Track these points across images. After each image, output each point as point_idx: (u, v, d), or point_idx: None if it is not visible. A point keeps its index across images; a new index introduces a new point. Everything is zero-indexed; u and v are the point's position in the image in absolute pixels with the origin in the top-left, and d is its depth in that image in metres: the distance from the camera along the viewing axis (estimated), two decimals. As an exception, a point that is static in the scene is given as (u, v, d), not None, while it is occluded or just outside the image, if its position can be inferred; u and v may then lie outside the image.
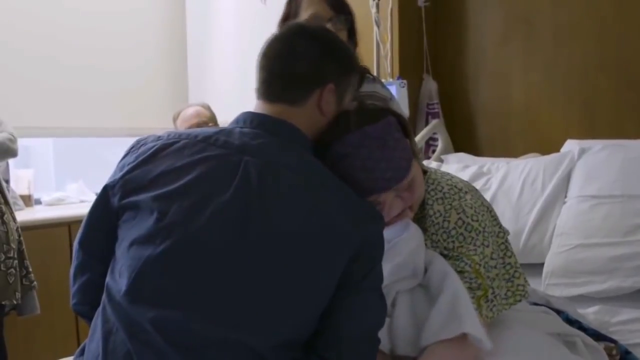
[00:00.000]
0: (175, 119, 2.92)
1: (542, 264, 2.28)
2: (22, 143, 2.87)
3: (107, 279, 1.15)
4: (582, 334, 1.50)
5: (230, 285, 1.04)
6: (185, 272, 1.05)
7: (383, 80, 2.78)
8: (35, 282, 2.66)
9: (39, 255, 2.85)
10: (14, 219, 2.64)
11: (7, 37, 3.39)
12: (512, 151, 2.99)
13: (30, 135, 3.54)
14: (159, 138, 1.21)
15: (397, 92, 2.94)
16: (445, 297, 1.25)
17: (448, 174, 1.51)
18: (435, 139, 3.23)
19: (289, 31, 1.32)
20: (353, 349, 1.10)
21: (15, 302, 2.54)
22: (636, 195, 2.25)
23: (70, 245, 3.05)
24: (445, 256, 1.37)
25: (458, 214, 1.38)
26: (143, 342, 1.04)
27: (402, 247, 1.32)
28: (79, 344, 1.26)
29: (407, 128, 1.35)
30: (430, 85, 3.32)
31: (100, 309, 1.14)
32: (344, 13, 1.93)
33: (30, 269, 2.66)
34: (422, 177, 1.41)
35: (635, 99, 2.72)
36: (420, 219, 1.42)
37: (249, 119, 1.21)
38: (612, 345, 1.57)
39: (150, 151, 1.18)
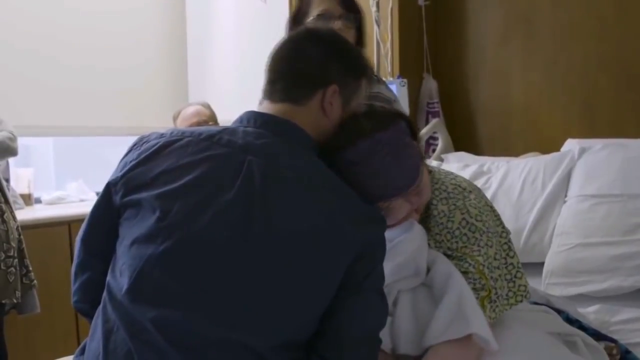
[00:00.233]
0: (175, 118, 2.92)
1: (542, 263, 2.27)
2: (22, 142, 2.87)
3: (108, 277, 1.15)
4: (582, 333, 1.49)
5: (231, 285, 1.04)
6: (186, 272, 1.05)
7: (383, 79, 2.78)
8: (35, 281, 2.66)
9: (39, 254, 2.85)
10: (14, 217, 2.64)
11: (7, 36, 3.39)
12: (512, 150, 3.00)
13: (31, 134, 3.53)
14: (162, 135, 1.21)
15: (397, 91, 2.94)
16: (451, 297, 1.25)
17: (452, 173, 1.51)
18: (436, 138, 3.23)
19: (297, 34, 1.33)
20: (354, 350, 1.10)
21: (15, 301, 2.53)
22: (636, 195, 2.25)
23: (71, 244, 3.05)
24: (448, 256, 1.37)
25: (462, 214, 1.38)
26: (144, 341, 1.04)
27: (405, 246, 1.32)
28: (79, 343, 1.26)
29: (415, 131, 1.34)
30: (430, 84, 3.32)
31: (100, 307, 1.14)
32: (354, 12, 1.93)
33: (31, 268, 2.65)
34: (429, 179, 1.41)
35: (636, 98, 2.72)
36: (424, 219, 1.41)
37: (253, 119, 1.21)
38: (613, 344, 1.57)
39: (153, 149, 1.18)
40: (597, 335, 1.57)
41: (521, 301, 1.42)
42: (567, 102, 2.92)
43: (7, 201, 2.62)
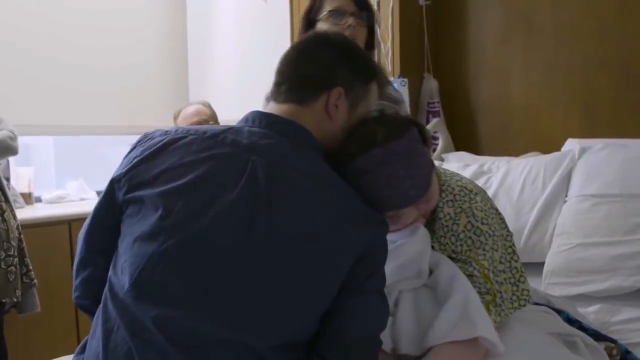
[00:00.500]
0: (175, 117, 2.92)
1: (543, 263, 2.27)
2: (22, 141, 2.87)
3: (110, 273, 1.15)
4: (582, 334, 1.49)
5: (232, 285, 1.04)
6: (188, 271, 1.05)
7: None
8: (35, 280, 2.66)
9: (39, 253, 2.85)
10: (15, 216, 2.64)
11: (7, 35, 3.39)
12: (512, 150, 2.99)
13: (31, 133, 3.53)
14: (166, 133, 1.21)
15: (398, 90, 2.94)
16: (456, 298, 1.24)
17: (457, 174, 1.51)
18: (436, 138, 3.23)
19: (306, 38, 1.35)
20: (355, 351, 1.10)
21: (15, 300, 2.54)
22: (636, 195, 2.25)
23: (71, 244, 3.05)
24: (453, 259, 1.36)
25: (467, 217, 1.38)
26: (144, 340, 1.04)
27: (407, 248, 1.31)
28: (79, 342, 1.26)
29: (426, 137, 1.33)
30: (430, 84, 3.32)
31: (101, 305, 1.14)
32: (366, 10, 1.94)
33: (31, 267, 2.66)
34: (438, 185, 1.40)
35: (636, 98, 2.72)
36: (430, 221, 1.41)
37: (258, 118, 1.21)
38: (613, 345, 1.57)
39: (157, 145, 1.17)
40: (597, 336, 1.57)
41: (524, 305, 1.41)
42: (567, 101, 2.92)
43: (7, 200, 2.62)
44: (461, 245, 1.37)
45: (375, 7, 3.07)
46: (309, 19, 1.98)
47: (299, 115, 1.20)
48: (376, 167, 1.20)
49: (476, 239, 1.37)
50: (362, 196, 1.18)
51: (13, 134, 2.72)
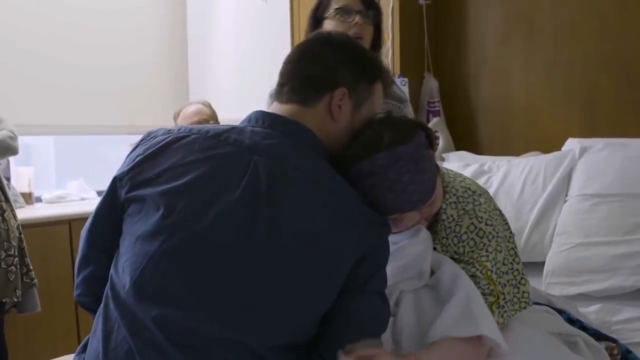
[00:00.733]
0: (175, 117, 2.92)
1: (543, 263, 2.27)
2: (22, 141, 2.87)
3: (111, 272, 1.15)
4: (583, 333, 1.49)
5: (233, 285, 1.04)
6: (189, 271, 1.05)
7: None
8: (35, 280, 2.66)
9: (40, 253, 2.85)
10: (15, 216, 2.64)
11: (7, 35, 3.38)
12: (512, 149, 2.99)
13: (31, 133, 3.53)
14: (169, 132, 1.20)
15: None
16: (459, 297, 1.24)
17: (460, 174, 1.50)
18: (436, 137, 3.23)
19: (310, 39, 1.34)
20: None
21: (15, 299, 2.53)
22: (637, 194, 2.25)
23: (71, 243, 3.05)
24: (455, 260, 1.36)
25: (470, 218, 1.37)
26: (144, 340, 1.04)
27: (409, 250, 1.31)
28: (79, 342, 1.26)
29: (432, 140, 1.31)
30: (431, 84, 3.32)
31: (102, 304, 1.14)
32: (373, 9, 1.94)
33: (31, 267, 2.65)
34: (442, 189, 1.39)
35: (636, 97, 2.72)
36: (432, 222, 1.41)
37: (261, 118, 1.21)
38: (614, 345, 1.57)
39: (160, 144, 1.17)
40: (598, 335, 1.57)
41: (525, 308, 1.41)
42: (567, 101, 2.92)
43: (7, 200, 2.62)
44: (463, 246, 1.37)
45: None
46: (316, 17, 1.98)
47: (302, 116, 1.20)
48: (381, 170, 1.19)
49: (479, 241, 1.36)
50: (365, 199, 1.17)
51: (13, 133, 2.72)
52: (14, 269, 2.52)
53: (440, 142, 3.19)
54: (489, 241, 1.36)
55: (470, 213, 1.38)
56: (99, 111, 3.81)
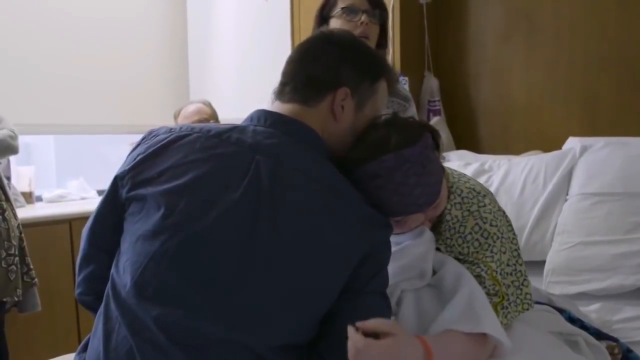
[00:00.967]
0: (176, 116, 2.92)
1: (544, 262, 2.27)
2: (23, 140, 2.87)
3: (112, 272, 1.14)
4: (584, 333, 1.49)
5: (233, 285, 1.04)
6: (190, 271, 1.05)
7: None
8: (36, 279, 2.66)
9: (40, 252, 2.85)
10: (15, 215, 2.64)
11: (8, 34, 3.38)
12: (513, 148, 2.99)
13: (31, 133, 3.53)
14: (171, 130, 1.20)
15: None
16: (462, 295, 1.23)
17: (464, 175, 1.50)
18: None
19: (312, 38, 1.31)
20: None
21: (16, 299, 2.54)
22: (637, 193, 2.25)
23: (72, 243, 3.05)
24: (460, 261, 1.35)
25: (475, 219, 1.37)
26: (145, 339, 1.04)
27: (411, 250, 1.31)
28: (80, 341, 1.27)
29: (438, 142, 1.30)
30: (431, 83, 3.31)
31: (103, 303, 1.14)
32: (380, 8, 1.94)
33: (31, 266, 2.65)
34: (447, 189, 1.38)
35: (637, 96, 2.71)
36: (436, 223, 1.40)
37: (263, 117, 1.20)
38: (614, 344, 1.57)
39: (162, 143, 1.17)
40: (599, 335, 1.57)
41: (527, 309, 1.40)
42: (568, 100, 2.91)
43: (8, 199, 2.62)
44: (468, 247, 1.37)
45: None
46: (322, 16, 1.98)
47: (304, 116, 1.19)
48: (387, 173, 1.18)
49: (484, 242, 1.36)
50: (370, 200, 1.17)
51: (14, 133, 2.72)
52: (15, 268, 2.52)
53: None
54: (494, 242, 1.36)
55: (474, 214, 1.38)
56: (99, 110, 3.81)
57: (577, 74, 2.87)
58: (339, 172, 1.17)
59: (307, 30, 2.08)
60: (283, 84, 1.24)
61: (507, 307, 1.34)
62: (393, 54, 3.19)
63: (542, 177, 2.50)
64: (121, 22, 3.91)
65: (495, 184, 2.57)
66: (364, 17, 1.89)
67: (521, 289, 1.41)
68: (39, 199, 3.56)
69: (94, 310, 1.21)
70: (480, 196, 1.41)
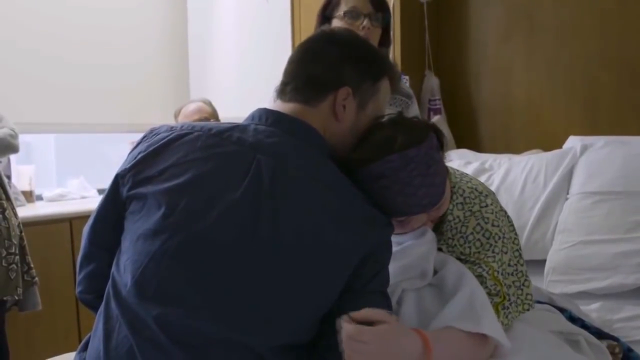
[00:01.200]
0: (176, 115, 2.92)
1: (544, 261, 2.27)
2: (23, 139, 2.86)
3: (113, 271, 1.14)
4: (585, 332, 1.49)
5: (234, 285, 1.04)
6: (190, 270, 1.05)
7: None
8: (36, 278, 2.66)
9: (41, 251, 2.85)
10: (16, 214, 2.64)
11: (8, 33, 3.38)
12: (513, 147, 2.99)
13: (32, 131, 3.53)
14: (172, 128, 1.20)
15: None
16: (463, 294, 1.23)
17: (466, 174, 1.49)
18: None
19: (313, 37, 1.31)
20: None
21: (16, 298, 2.54)
22: (638, 192, 2.25)
23: (72, 241, 3.05)
24: (461, 261, 1.35)
25: (477, 219, 1.37)
26: (146, 338, 1.04)
27: (412, 250, 1.31)
28: (80, 340, 1.27)
29: (442, 142, 1.29)
30: (432, 82, 3.31)
31: (104, 302, 1.14)
32: (383, 11, 1.93)
33: (32, 265, 2.65)
34: (450, 190, 1.37)
35: (638, 95, 2.71)
36: (438, 223, 1.40)
37: (265, 116, 1.20)
38: (615, 343, 1.57)
39: (163, 141, 1.16)
40: (600, 334, 1.57)
41: (528, 310, 1.40)
42: (569, 99, 2.91)
43: (8, 198, 2.62)
44: (469, 247, 1.37)
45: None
46: (325, 16, 1.97)
47: (305, 115, 1.19)
48: (392, 173, 1.17)
49: (485, 242, 1.36)
50: (374, 200, 1.17)
51: (14, 131, 2.72)
52: (15, 267, 2.52)
53: (441, 140, 3.18)
54: (495, 242, 1.36)
55: (476, 214, 1.37)
56: (100, 109, 3.81)
57: (578, 73, 2.87)
58: (341, 171, 1.17)
59: (308, 29, 2.08)
60: (284, 84, 1.24)
61: (508, 308, 1.34)
62: (394, 53, 3.19)
63: (542, 176, 2.50)
64: (122, 21, 3.90)
65: (495, 183, 2.56)
66: (365, 22, 1.88)
67: (522, 289, 1.41)
68: (40, 197, 3.56)
69: (95, 309, 1.20)
70: (483, 196, 1.40)
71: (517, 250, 1.44)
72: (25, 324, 2.84)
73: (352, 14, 1.89)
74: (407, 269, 1.29)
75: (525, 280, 1.42)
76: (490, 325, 1.21)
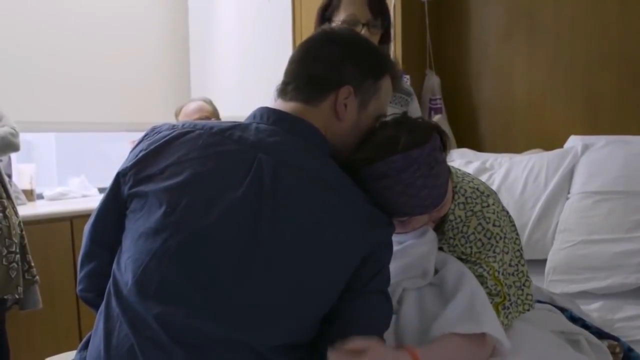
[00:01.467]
0: (177, 114, 2.92)
1: (545, 260, 2.27)
2: (24, 137, 2.87)
3: (114, 268, 1.14)
4: (585, 332, 1.49)
5: (235, 284, 1.04)
6: (191, 269, 1.05)
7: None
8: (37, 277, 2.66)
9: (41, 250, 2.85)
10: (16, 213, 2.64)
11: (9, 31, 3.38)
12: (514, 147, 2.99)
13: (33, 130, 3.54)
14: (173, 127, 1.19)
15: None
16: (463, 294, 1.23)
17: (468, 174, 1.49)
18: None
19: (316, 36, 1.30)
20: None
21: (17, 296, 2.54)
22: (639, 192, 2.25)
23: (73, 240, 3.05)
24: (462, 261, 1.35)
25: (478, 219, 1.37)
26: (147, 337, 1.04)
27: (413, 249, 1.31)
28: (80, 339, 1.27)
29: (446, 143, 1.28)
30: (433, 81, 3.31)
31: (104, 301, 1.13)
32: (382, 16, 1.92)
33: (32, 264, 2.65)
34: (452, 190, 1.37)
35: (638, 94, 2.71)
36: (439, 223, 1.40)
37: (266, 115, 1.19)
38: (616, 343, 1.57)
39: (164, 140, 1.16)
40: (600, 334, 1.57)
41: (528, 310, 1.40)
42: (570, 98, 2.91)
43: (9, 197, 2.62)
44: (470, 247, 1.37)
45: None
46: (325, 16, 1.96)
47: (307, 115, 1.18)
48: (395, 173, 1.17)
49: (486, 242, 1.36)
50: (375, 200, 1.16)
51: (15, 130, 2.72)
52: (16, 265, 2.52)
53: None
54: (497, 242, 1.36)
55: (478, 214, 1.37)
56: (100, 108, 3.81)
57: (579, 73, 2.87)
58: (343, 170, 1.16)
59: (309, 28, 2.07)
60: (285, 84, 1.23)
61: (508, 308, 1.34)
62: (395, 52, 3.19)
63: (543, 175, 2.50)
64: (122, 20, 3.90)
65: (496, 183, 2.56)
66: (364, 31, 1.87)
67: (522, 290, 1.41)
68: (40, 196, 3.56)
69: (96, 307, 1.20)
70: (484, 196, 1.40)
71: (519, 250, 1.43)
72: (25, 323, 2.84)
73: (350, 23, 1.88)
74: (408, 268, 1.29)
75: (526, 280, 1.42)
76: (491, 324, 1.21)
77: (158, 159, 1.14)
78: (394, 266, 1.19)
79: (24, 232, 2.65)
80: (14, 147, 2.74)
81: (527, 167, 2.56)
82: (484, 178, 2.59)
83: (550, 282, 2.18)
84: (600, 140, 2.51)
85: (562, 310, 1.59)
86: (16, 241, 2.55)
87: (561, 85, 2.93)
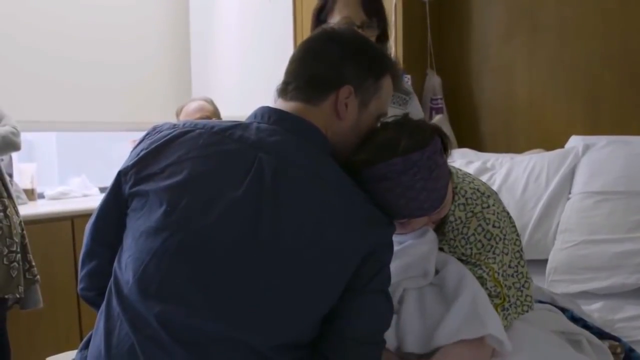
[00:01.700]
0: (178, 113, 2.91)
1: (546, 260, 2.27)
2: (25, 137, 2.87)
3: (115, 267, 1.14)
4: (586, 332, 1.49)
5: (235, 284, 1.04)
6: (191, 268, 1.05)
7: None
8: (38, 276, 2.66)
9: (42, 249, 2.85)
10: (17, 212, 2.64)
11: (10, 31, 3.38)
12: (515, 147, 2.99)
13: (34, 129, 3.54)
14: (174, 126, 1.19)
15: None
16: (465, 298, 1.23)
17: (469, 175, 1.49)
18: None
19: (314, 36, 1.30)
20: (357, 351, 1.10)
21: (18, 296, 2.54)
22: (640, 192, 2.25)
23: (74, 240, 3.05)
24: (462, 262, 1.35)
25: (478, 220, 1.37)
26: (147, 336, 1.04)
27: (414, 249, 1.31)
28: (81, 338, 1.27)
29: (447, 145, 1.28)
30: (434, 81, 3.31)
31: (105, 300, 1.13)
32: (377, 16, 1.92)
33: (33, 263, 2.66)
34: (452, 192, 1.37)
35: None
36: (440, 224, 1.40)
37: (267, 115, 1.19)
38: (617, 343, 1.57)
39: (165, 139, 1.16)
40: (601, 334, 1.57)
41: (527, 311, 1.40)
42: (571, 98, 2.91)
43: (10, 196, 2.62)
44: (471, 248, 1.37)
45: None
46: (320, 19, 1.96)
47: (307, 114, 1.18)
48: (395, 176, 1.17)
49: (486, 243, 1.36)
50: (375, 201, 1.16)
51: (16, 129, 2.72)
52: (17, 265, 2.52)
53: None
54: (497, 243, 1.36)
55: (478, 215, 1.37)
56: (101, 108, 3.81)
57: (580, 73, 2.86)
58: (344, 170, 1.16)
59: (309, 28, 2.07)
60: (286, 83, 1.23)
61: (507, 309, 1.34)
62: (395, 52, 3.19)
63: (544, 175, 2.50)
64: (124, 19, 3.91)
65: (497, 182, 2.56)
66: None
67: (522, 291, 1.41)
68: (41, 196, 3.56)
69: (96, 306, 1.20)
70: (485, 197, 1.40)
71: (519, 251, 1.43)
72: (26, 322, 2.84)
73: (346, 23, 1.88)
74: (409, 268, 1.29)
75: (526, 281, 1.42)
76: (494, 325, 1.21)
77: (159, 158, 1.14)
78: (394, 266, 1.19)
79: (24, 232, 2.65)
80: (15, 147, 2.74)
81: (528, 167, 2.56)
82: (484, 178, 2.59)
83: (551, 282, 2.18)
84: (601, 141, 2.51)
85: (563, 310, 1.59)
86: (17, 240, 2.55)
87: (562, 85, 2.93)
